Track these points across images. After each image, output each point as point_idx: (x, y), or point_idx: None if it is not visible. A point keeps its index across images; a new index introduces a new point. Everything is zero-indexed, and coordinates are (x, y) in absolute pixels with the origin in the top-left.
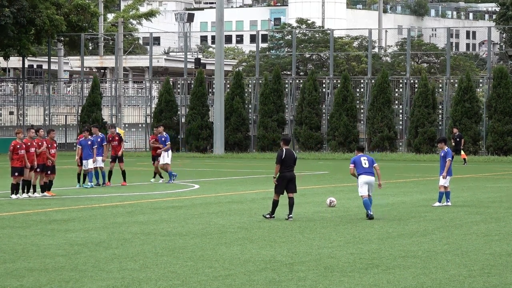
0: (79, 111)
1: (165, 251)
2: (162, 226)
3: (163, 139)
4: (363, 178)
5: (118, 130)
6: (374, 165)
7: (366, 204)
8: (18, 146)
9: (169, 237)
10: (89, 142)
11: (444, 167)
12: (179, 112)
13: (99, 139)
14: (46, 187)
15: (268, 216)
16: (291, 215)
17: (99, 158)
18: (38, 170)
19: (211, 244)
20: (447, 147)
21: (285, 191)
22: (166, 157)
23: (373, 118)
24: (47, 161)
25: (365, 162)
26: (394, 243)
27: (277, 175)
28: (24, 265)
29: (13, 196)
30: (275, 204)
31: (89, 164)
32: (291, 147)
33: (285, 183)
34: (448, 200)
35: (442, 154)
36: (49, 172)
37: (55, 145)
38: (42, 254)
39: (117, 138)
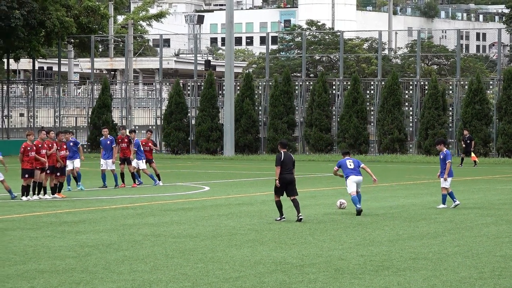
0: (89, 113)
1: (176, 253)
2: (172, 228)
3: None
4: (351, 178)
5: (128, 133)
6: (361, 165)
7: (354, 200)
8: (28, 148)
9: (180, 239)
10: (108, 142)
11: (444, 169)
12: (189, 114)
13: (108, 142)
14: (56, 189)
15: (279, 219)
16: (300, 215)
17: (109, 161)
18: (48, 171)
19: (222, 246)
20: (446, 149)
21: (285, 195)
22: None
23: (383, 120)
24: (56, 163)
25: (350, 164)
26: (404, 245)
27: (278, 176)
28: (34, 267)
29: (24, 198)
30: (278, 205)
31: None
32: (301, 148)
33: (285, 185)
34: (455, 199)
35: (441, 156)
36: (58, 174)
37: (64, 147)
38: (52, 256)
39: (126, 140)
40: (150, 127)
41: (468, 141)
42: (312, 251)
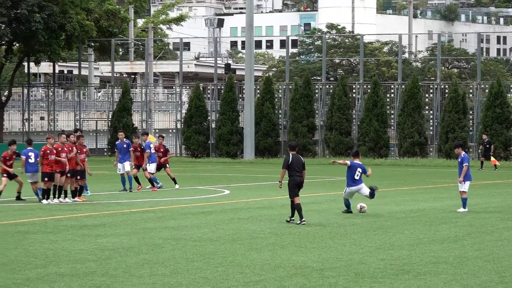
0: (110, 117)
1: (196, 257)
2: (192, 231)
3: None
4: (351, 189)
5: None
6: (368, 173)
7: (347, 205)
8: (48, 152)
9: (200, 242)
10: (125, 146)
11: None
12: (209, 118)
13: (125, 145)
14: (77, 192)
15: (299, 222)
16: (304, 220)
17: (126, 163)
18: (69, 175)
19: (242, 250)
20: (464, 152)
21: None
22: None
23: (403, 124)
24: (76, 166)
25: (357, 175)
26: (425, 249)
27: (282, 179)
28: (55, 270)
29: (44, 201)
30: (298, 207)
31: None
32: (321, 152)
33: (296, 186)
34: (464, 206)
35: (459, 160)
36: (78, 177)
37: (84, 150)
38: (73, 259)
39: (139, 149)
40: (170, 130)
41: (487, 145)
42: (332, 254)
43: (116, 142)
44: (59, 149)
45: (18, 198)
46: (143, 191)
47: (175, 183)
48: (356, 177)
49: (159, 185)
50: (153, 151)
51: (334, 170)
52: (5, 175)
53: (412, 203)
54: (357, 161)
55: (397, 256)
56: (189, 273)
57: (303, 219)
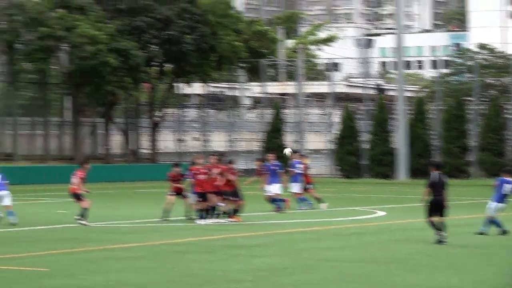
0: (261, 137)
1: (350, 278)
2: (346, 252)
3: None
4: (497, 205)
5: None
6: None
7: (485, 223)
8: (197, 172)
9: (354, 263)
10: (273, 167)
11: None
12: (360, 138)
13: (272, 167)
14: (233, 212)
15: (441, 240)
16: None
17: (276, 185)
18: (224, 196)
19: (398, 271)
20: None
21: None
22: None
23: None
24: (226, 186)
25: (506, 189)
26: None
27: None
28: None
29: (200, 221)
30: (433, 224)
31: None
32: (475, 173)
33: (435, 206)
34: None
35: None
36: (231, 198)
37: (233, 171)
38: (228, 279)
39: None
40: (322, 151)
41: None
42: (487, 277)
43: (265, 163)
44: (202, 170)
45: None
46: (295, 212)
47: (320, 202)
48: (504, 191)
49: (306, 206)
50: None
51: (489, 192)
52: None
53: None
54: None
55: None
56: None
57: (444, 238)
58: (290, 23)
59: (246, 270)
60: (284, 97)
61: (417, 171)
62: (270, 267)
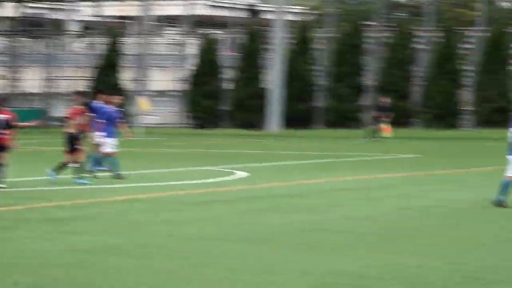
0: (91, 75)
1: (199, 260)
2: (193, 227)
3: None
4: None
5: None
6: None
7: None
8: None
9: (205, 241)
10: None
11: None
12: (222, 76)
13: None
14: None
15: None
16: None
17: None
18: None
19: (259, 252)
20: None
21: None
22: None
23: (482, 84)
24: None
25: None
26: None
27: None
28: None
29: None
30: None
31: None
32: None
33: None
34: None
35: None
36: None
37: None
38: (38, 263)
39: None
40: (171, 93)
41: None
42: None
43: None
44: None
45: None
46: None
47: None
48: None
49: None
50: None
51: (393, 146)
52: None
53: (487, 189)
54: None
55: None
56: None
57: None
58: None
59: (63, 251)
60: (125, 21)
61: (293, 121)
62: (92, 247)
